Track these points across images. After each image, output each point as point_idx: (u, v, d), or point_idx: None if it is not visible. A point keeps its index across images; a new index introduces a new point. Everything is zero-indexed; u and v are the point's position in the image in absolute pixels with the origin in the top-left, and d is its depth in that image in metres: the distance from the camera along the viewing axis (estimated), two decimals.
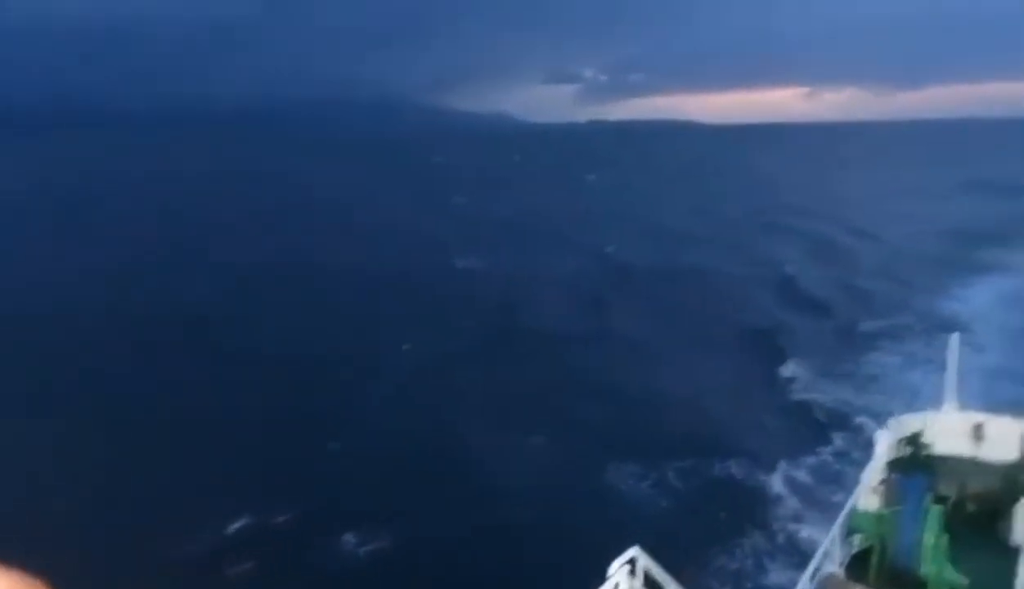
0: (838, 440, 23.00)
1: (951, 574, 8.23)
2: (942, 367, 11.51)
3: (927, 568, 8.15)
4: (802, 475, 20.86)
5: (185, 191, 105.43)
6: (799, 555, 15.79)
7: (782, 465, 21.18)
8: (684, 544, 16.61)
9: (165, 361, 30.44)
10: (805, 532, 17.74)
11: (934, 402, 11.68)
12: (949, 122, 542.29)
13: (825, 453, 22.22)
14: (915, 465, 10.19)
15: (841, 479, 19.61)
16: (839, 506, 9.78)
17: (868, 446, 10.56)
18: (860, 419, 23.95)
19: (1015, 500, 9.59)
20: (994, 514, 9.75)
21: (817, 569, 8.06)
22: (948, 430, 11.00)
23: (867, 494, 9.69)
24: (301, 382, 28.01)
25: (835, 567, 8.79)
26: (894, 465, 10.21)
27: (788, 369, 29.41)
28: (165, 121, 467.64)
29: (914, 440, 10.75)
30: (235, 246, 58.54)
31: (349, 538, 17.82)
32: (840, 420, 24.48)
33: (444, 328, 35.10)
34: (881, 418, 13.70)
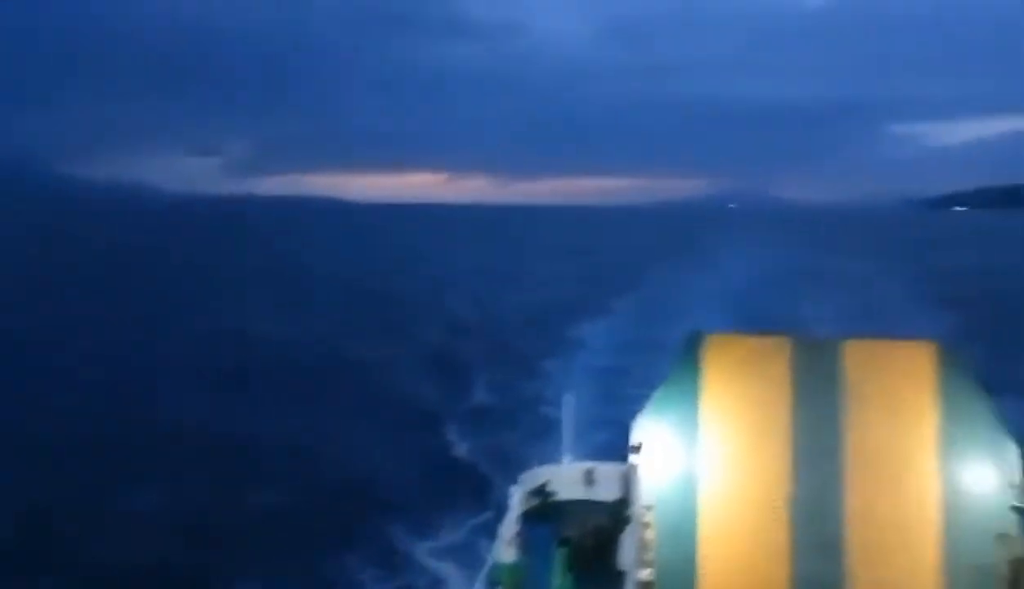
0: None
1: None
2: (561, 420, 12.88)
3: None
4: None
5: None
6: None
7: None
8: None
9: None
10: None
11: (555, 456, 13.03)
12: (559, 207, 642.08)
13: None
14: (543, 514, 11.20)
15: None
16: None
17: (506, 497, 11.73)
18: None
19: (620, 531, 11.00)
20: (607, 546, 10.97)
21: None
22: (567, 479, 12.21)
23: (504, 546, 10.61)
24: None
25: None
26: (526, 516, 11.19)
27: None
28: None
29: (541, 491, 11.78)
30: None
31: None
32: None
33: None
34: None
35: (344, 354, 47.77)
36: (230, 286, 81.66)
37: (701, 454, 11.83)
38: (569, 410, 12.80)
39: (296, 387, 39.79)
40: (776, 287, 74.78)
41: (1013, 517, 10.80)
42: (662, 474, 12.05)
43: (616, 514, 11.52)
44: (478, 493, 25.46)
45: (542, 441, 26.68)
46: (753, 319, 53.79)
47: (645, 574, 11.21)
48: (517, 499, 11.54)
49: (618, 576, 10.54)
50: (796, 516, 11.33)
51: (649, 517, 11.71)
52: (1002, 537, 10.74)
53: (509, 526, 10.94)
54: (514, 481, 11.98)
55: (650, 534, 11.60)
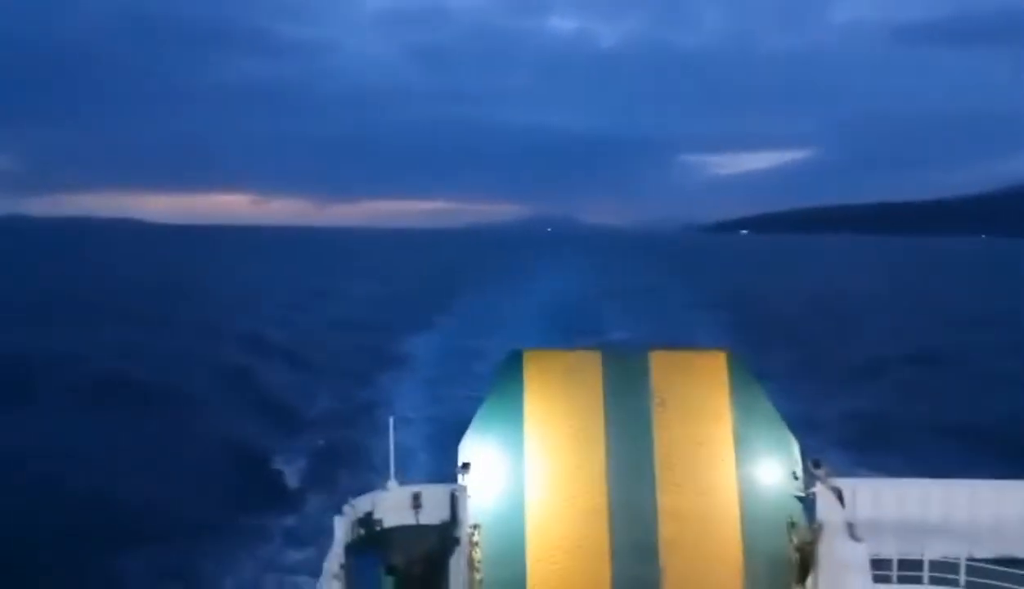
0: None
1: None
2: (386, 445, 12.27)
3: None
4: None
5: None
6: None
7: None
8: None
9: None
10: None
11: (381, 480, 12.48)
12: (378, 229, 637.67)
13: None
14: (369, 543, 10.82)
15: None
16: None
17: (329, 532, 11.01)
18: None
19: (448, 554, 10.76)
20: (435, 571, 10.60)
21: None
22: (394, 504, 11.80)
23: (328, 581, 10.18)
24: None
25: None
26: (351, 547, 10.81)
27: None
28: None
29: (366, 520, 11.33)
30: None
31: None
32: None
33: None
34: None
35: (135, 375, 44.47)
36: (9, 309, 72.29)
37: (526, 468, 12.06)
38: (391, 434, 12.48)
39: (90, 407, 37.36)
40: (589, 299, 79.96)
41: (798, 506, 11.92)
42: (489, 491, 12.22)
43: (444, 537, 11.42)
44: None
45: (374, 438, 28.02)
46: (571, 330, 57.24)
47: None
48: (342, 530, 11.17)
49: None
50: (615, 519, 11.87)
51: (477, 536, 11.86)
52: (791, 525, 11.78)
53: (334, 558, 10.67)
54: (339, 504, 11.62)
55: (478, 553, 11.76)
